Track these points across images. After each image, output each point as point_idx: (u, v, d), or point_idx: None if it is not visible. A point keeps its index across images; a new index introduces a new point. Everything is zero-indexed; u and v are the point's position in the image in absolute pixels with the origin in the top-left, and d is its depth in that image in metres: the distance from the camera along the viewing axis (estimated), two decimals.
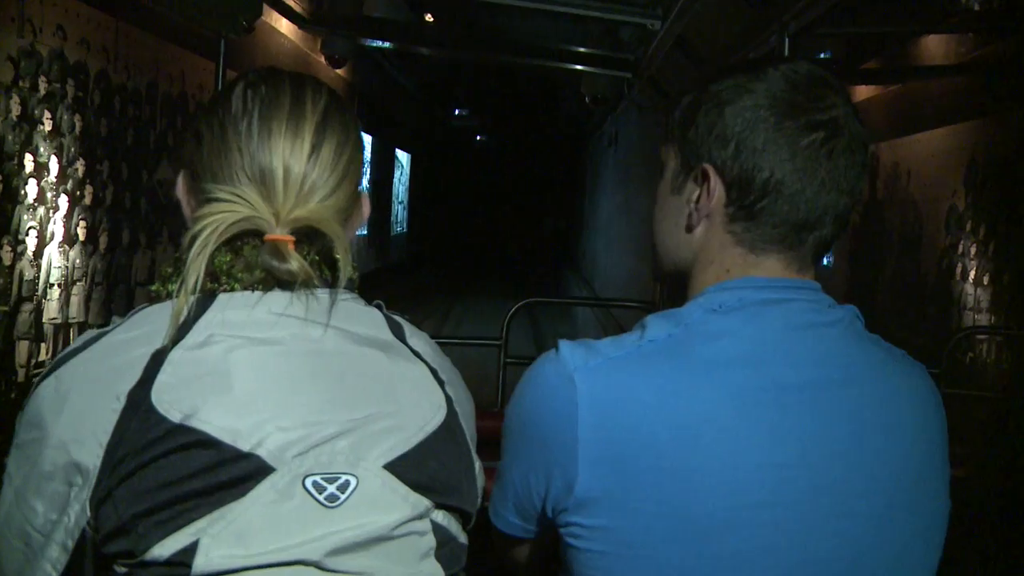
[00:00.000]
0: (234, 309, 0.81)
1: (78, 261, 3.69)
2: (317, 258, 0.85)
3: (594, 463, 0.86)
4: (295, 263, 0.81)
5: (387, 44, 5.23)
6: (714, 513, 0.84)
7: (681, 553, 0.85)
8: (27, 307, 3.33)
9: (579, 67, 5.54)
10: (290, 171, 0.85)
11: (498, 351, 3.21)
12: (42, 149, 3.36)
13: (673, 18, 3.37)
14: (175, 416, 0.75)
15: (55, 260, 3.51)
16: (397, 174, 13.35)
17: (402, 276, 12.81)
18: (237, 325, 0.80)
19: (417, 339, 0.91)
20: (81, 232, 3.70)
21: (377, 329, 0.87)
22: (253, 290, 0.83)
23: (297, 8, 5.41)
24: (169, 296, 0.84)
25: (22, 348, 3.31)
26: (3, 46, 3.11)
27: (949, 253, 4.08)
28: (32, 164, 3.30)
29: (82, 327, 3.74)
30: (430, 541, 0.83)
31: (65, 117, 3.51)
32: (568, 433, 0.86)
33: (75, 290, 3.68)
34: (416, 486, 0.81)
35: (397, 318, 0.91)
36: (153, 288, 0.86)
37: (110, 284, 3.99)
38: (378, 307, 0.91)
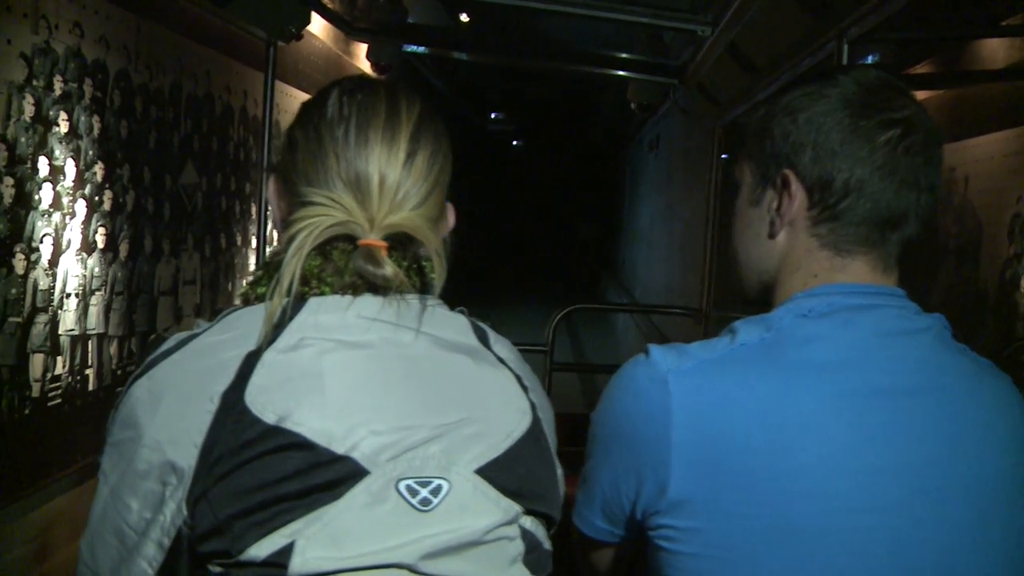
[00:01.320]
0: (326, 313, 0.84)
1: (97, 270, 3.52)
2: (406, 263, 0.88)
3: (688, 465, 0.87)
4: (389, 268, 0.84)
5: (432, 51, 5.13)
6: (809, 517, 0.84)
7: (775, 556, 0.84)
8: (42, 318, 3.15)
9: (625, 73, 5.42)
10: (385, 178, 0.87)
11: (544, 357, 3.08)
12: (58, 152, 3.19)
13: (724, 25, 3.24)
14: (269, 418, 0.77)
15: (72, 269, 3.34)
16: None
17: None
18: (329, 328, 0.82)
19: (501, 345, 0.93)
20: (100, 239, 3.53)
21: (464, 335, 0.90)
22: (343, 294, 0.85)
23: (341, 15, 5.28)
24: (259, 299, 0.89)
25: (37, 361, 3.14)
26: (16, 44, 2.94)
27: (1013, 263, 3.80)
28: (47, 168, 3.13)
29: (101, 339, 3.56)
30: (519, 547, 0.84)
31: (82, 118, 3.34)
32: (661, 435, 0.88)
33: (94, 300, 3.50)
34: (506, 491, 0.82)
35: (481, 324, 0.94)
36: (241, 291, 0.92)
37: (131, 294, 3.82)
38: (462, 313, 0.92)
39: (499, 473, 0.82)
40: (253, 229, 5.26)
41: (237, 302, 0.89)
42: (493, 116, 19.12)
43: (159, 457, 0.80)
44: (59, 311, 3.27)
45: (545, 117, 19.59)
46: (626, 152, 16.88)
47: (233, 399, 0.79)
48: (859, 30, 2.48)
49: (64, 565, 3.31)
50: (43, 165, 3.10)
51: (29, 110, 3.02)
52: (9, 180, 2.92)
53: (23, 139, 2.99)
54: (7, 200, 2.91)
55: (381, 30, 4.36)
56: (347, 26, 4.27)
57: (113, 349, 3.68)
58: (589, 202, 21.88)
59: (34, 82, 3.04)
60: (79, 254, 3.38)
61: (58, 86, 3.18)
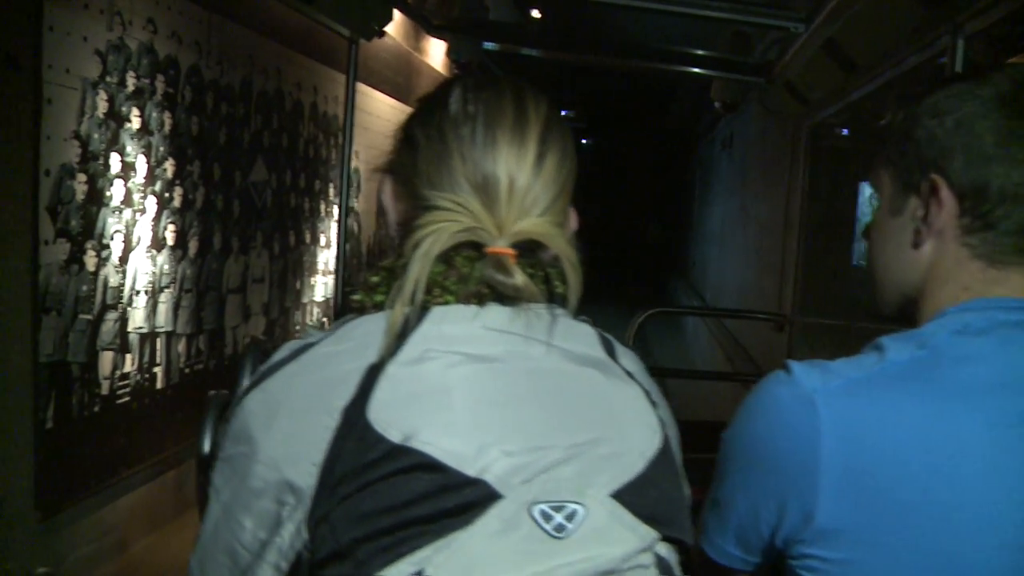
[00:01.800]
0: (451, 323, 0.79)
1: (166, 267, 3.50)
2: (532, 271, 0.82)
3: (838, 492, 0.82)
4: (520, 278, 0.79)
5: (514, 48, 5.06)
6: (969, 552, 0.79)
7: None
8: (111, 316, 3.14)
9: (703, 71, 5.27)
10: (515, 181, 0.83)
11: None
12: (129, 148, 3.17)
13: (821, 20, 3.07)
14: (394, 436, 0.72)
15: (142, 266, 3.32)
16: None
17: None
18: (454, 340, 0.78)
19: (627, 358, 0.88)
20: (170, 236, 3.51)
21: (592, 347, 0.84)
22: (468, 303, 0.80)
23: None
24: (376, 307, 0.82)
25: (106, 359, 3.13)
26: (91, 41, 2.92)
27: None
28: (119, 164, 3.11)
29: (169, 337, 3.55)
30: (653, 575, 0.79)
31: (154, 114, 3.32)
32: (808, 459, 0.83)
33: (163, 297, 3.49)
34: (640, 516, 0.77)
35: (607, 335, 0.88)
36: (356, 298, 0.85)
37: (200, 291, 3.80)
38: (586, 322, 0.87)
39: (634, 497, 0.77)
40: (322, 226, 5.24)
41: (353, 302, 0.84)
42: (563, 113, 19.02)
43: (275, 475, 0.75)
44: (128, 308, 3.25)
45: (615, 115, 19.39)
46: (697, 150, 16.61)
47: (355, 415, 0.74)
48: (978, 24, 2.28)
49: (131, 563, 3.30)
50: (115, 161, 3.09)
51: (102, 106, 3.01)
52: (82, 176, 2.90)
53: (96, 136, 2.98)
54: (79, 197, 2.89)
55: (461, 27, 4.29)
56: (427, 23, 4.23)
57: (181, 347, 3.66)
58: (658, 202, 21.63)
59: (107, 78, 3.03)
60: (149, 251, 3.37)
61: (131, 82, 3.16)
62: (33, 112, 2.66)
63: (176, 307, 3.60)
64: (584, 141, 22.34)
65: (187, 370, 3.73)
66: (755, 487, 0.89)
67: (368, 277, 0.85)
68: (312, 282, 5.13)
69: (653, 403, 0.85)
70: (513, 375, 0.78)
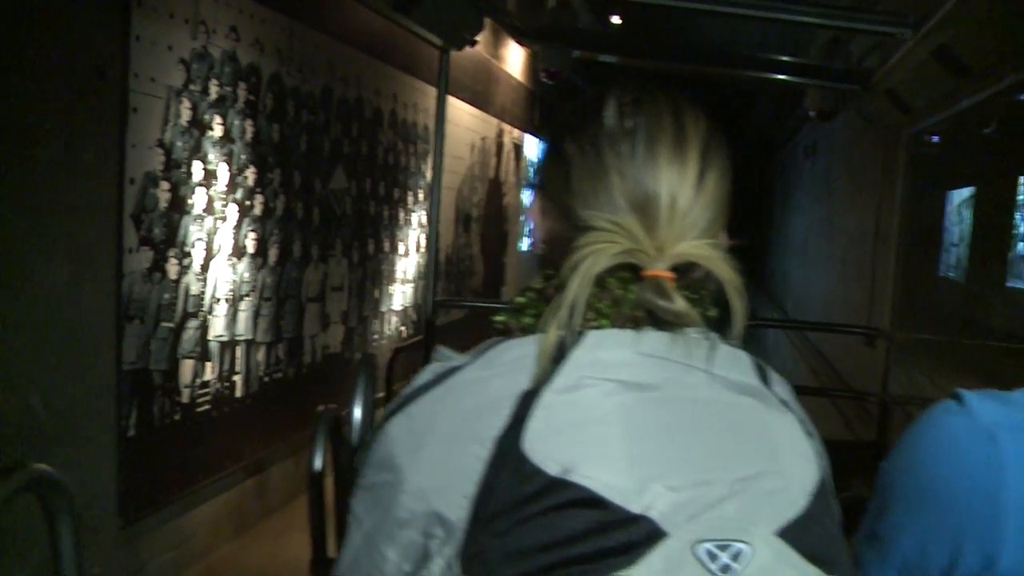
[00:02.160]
0: (607, 349, 0.76)
1: (246, 275, 3.49)
2: (690, 295, 0.79)
3: None
4: (680, 303, 0.76)
5: (605, 57, 5.00)
6: None
7: None
8: (192, 324, 3.14)
9: (801, 80, 5.11)
10: (676, 201, 0.79)
11: None
12: (211, 156, 3.18)
13: (932, 26, 2.90)
14: (552, 468, 0.69)
15: (222, 274, 3.32)
16: None
17: None
18: (611, 367, 0.75)
19: (780, 385, 0.83)
20: (250, 244, 3.51)
21: (747, 374, 0.80)
22: (623, 328, 0.77)
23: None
24: (523, 330, 0.80)
25: (187, 367, 3.13)
26: (176, 49, 2.93)
27: None
28: (201, 172, 3.11)
29: (249, 345, 3.54)
30: None
31: (236, 122, 3.32)
32: (990, 499, 0.78)
33: (243, 305, 3.48)
34: (805, 555, 0.73)
35: (760, 361, 0.84)
36: (499, 319, 0.83)
37: (279, 299, 3.79)
38: (739, 347, 0.83)
39: (798, 535, 0.73)
40: (401, 235, 5.22)
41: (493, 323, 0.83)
42: None
43: (423, 507, 0.73)
44: (209, 316, 3.25)
45: None
46: (777, 159, 16.24)
47: (508, 445, 0.71)
48: None
49: (211, 569, 3.29)
50: (197, 169, 3.09)
51: (186, 114, 3.01)
52: (165, 184, 2.91)
53: (179, 144, 2.98)
54: (163, 205, 2.90)
55: (550, 35, 4.24)
56: (518, 32, 4.19)
57: (260, 355, 3.66)
58: (736, 212, 21.26)
59: (191, 86, 3.03)
60: (229, 259, 3.37)
61: (214, 90, 3.16)
62: (119, 121, 2.67)
63: (256, 315, 3.60)
64: None
65: (266, 378, 3.72)
66: (924, 525, 0.84)
67: (514, 298, 0.83)
68: (390, 291, 5.11)
69: (808, 433, 0.81)
70: (673, 405, 0.75)
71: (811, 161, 10.69)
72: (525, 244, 9.16)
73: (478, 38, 5.47)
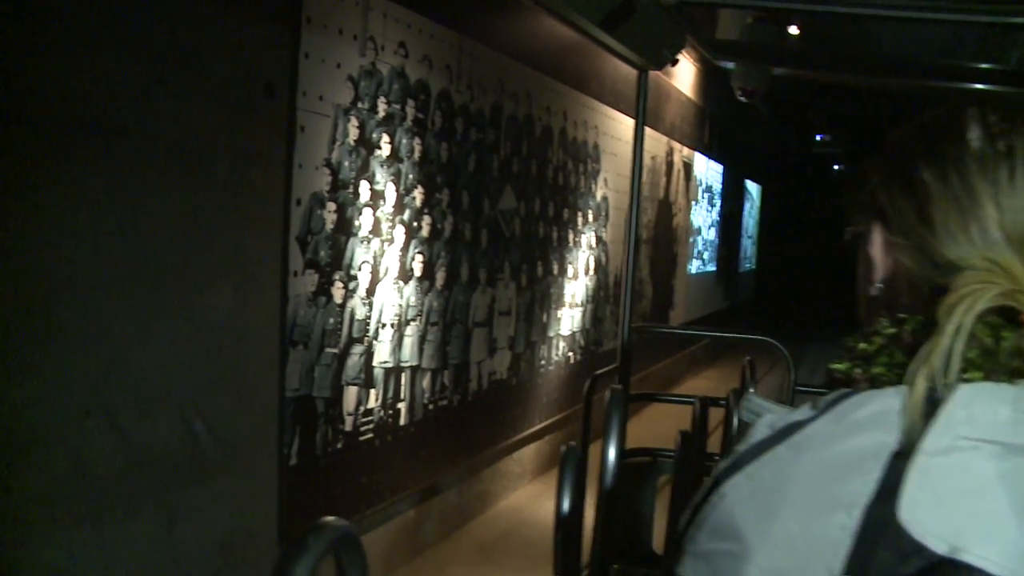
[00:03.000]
0: (983, 405, 0.68)
1: (412, 299, 3.37)
2: None
3: None
4: None
5: (802, 74, 4.72)
6: None
7: None
8: (357, 349, 3.03)
9: (995, 87, 4.69)
10: None
11: None
12: (378, 176, 3.07)
13: None
14: (938, 546, 0.63)
15: (389, 298, 3.20)
16: (747, 206, 12.50)
17: (749, 316, 11.95)
18: (990, 427, 0.67)
19: None
20: (417, 267, 3.38)
21: None
22: (998, 381, 0.70)
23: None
24: (870, 380, 0.74)
25: (350, 394, 3.02)
26: (344, 67, 2.85)
27: None
28: (368, 192, 3.01)
29: (414, 371, 3.42)
30: None
31: (404, 141, 3.22)
32: None
33: (408, 331, 3.36)
34: None
35: None
36: (839, 367, 0.76)
37: (446, 324, 3.65)
38: None
39: None
40: (570, 257, 5.02)
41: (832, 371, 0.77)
42: (819, 138, 17.95)
43: None
44: (374, 342, 3.14)
45: (870, 139, 18.06)
46: None
47: (880, 515, 0.65)
48: None
49: None
50: (364, 190, 2.99)
51: (353, 133, 2.92)
52: (331, 205, 2.82)
53: (346, 163, 2.89)
54: (328, 226, 2.81)
55: (747, 52, 4.03)
56: (716, 49, 4.03)
57: (426, 382, 3.53)
58: None
59: (359, 104, 2.94)
60: (396, 282, 3.25)
61: (382, 108, 3.06)
62: (287, 140, 2.60)
63: (421, 340, 3.47)
64: (836, 167, 21.06)
65: (431, 406, 3.58)
66: None
67: (856, 344, 0.76)
68: (559, 315, 4.91)
69: None
70: None
71: None
72: (694, 267, 8.78)
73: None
